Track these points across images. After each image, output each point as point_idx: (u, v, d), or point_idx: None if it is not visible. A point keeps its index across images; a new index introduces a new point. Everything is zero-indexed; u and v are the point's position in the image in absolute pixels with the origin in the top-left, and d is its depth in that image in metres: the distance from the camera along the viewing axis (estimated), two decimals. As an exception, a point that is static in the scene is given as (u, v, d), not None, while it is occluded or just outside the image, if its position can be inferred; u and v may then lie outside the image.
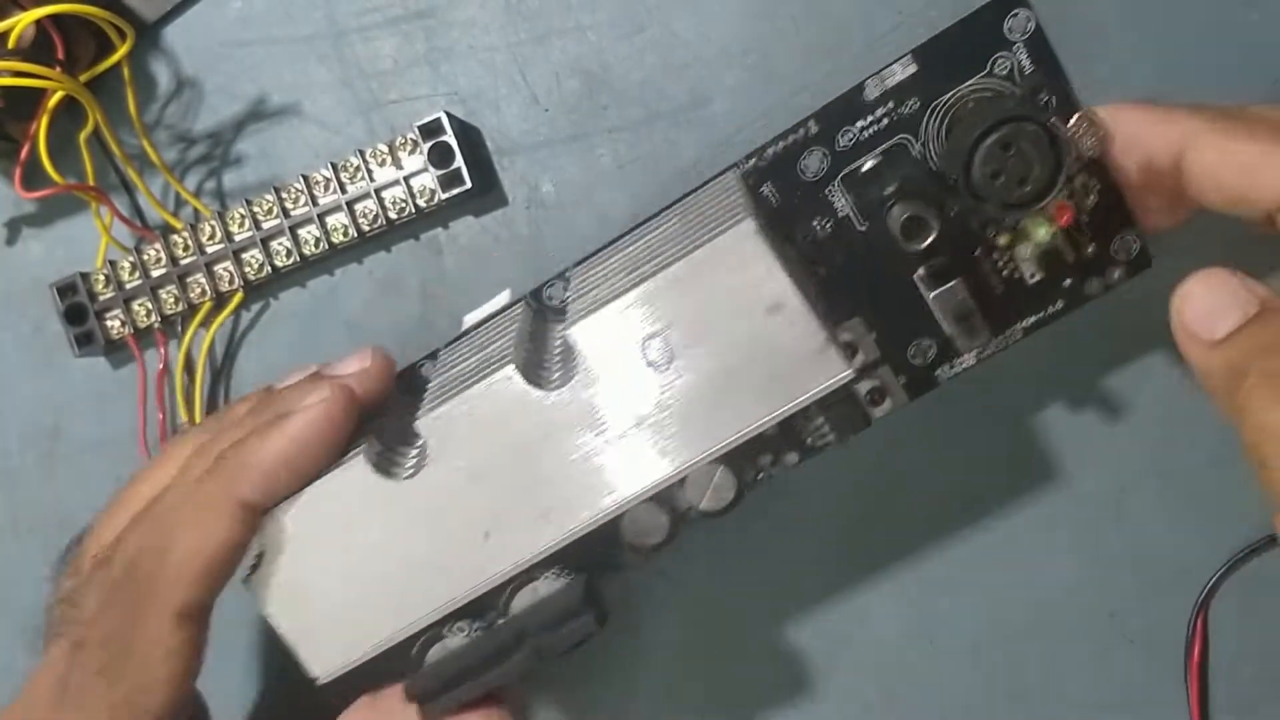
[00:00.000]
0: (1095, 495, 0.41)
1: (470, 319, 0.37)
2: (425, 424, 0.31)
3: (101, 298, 0.43)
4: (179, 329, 0.43)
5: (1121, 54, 0.39)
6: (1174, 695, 0.41)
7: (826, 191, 0.34)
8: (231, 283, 0.42)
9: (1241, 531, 0.40)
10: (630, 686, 0.43)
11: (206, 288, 0.42)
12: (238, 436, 0.32)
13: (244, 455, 0.31)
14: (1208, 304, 0.28)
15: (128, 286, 0.42)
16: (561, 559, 0.32)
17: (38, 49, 0.39)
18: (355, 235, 0.41)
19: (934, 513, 0.41)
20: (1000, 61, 0.33)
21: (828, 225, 0.34)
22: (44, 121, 0.39)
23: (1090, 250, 0.34)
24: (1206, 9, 0.39)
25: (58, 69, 0.38)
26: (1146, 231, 0.34)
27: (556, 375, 0.31)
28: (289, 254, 0.42)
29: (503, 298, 0.37)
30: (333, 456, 0.32)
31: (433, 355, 0.37)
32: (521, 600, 0.33)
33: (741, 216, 0.29)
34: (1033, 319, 0.35)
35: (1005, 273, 0.34)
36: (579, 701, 0.43)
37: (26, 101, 0.39)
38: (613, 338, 0.30)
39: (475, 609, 0.32)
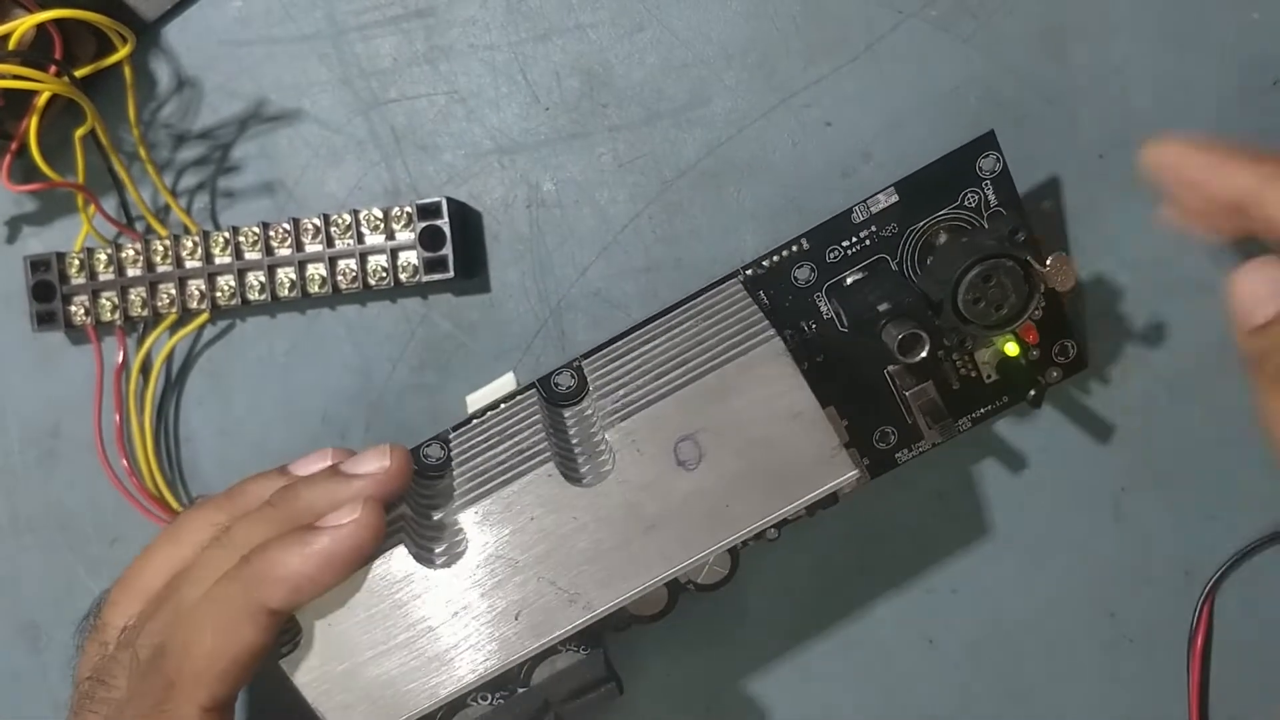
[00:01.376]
0: (1095, 495, 0.41)
1: (474, 400, 0.38)
2: (465, 516, 0.33)
3: (73, 281, 0.43)
4: (140, 330, 0.43)
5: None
6: (1174, 694, 0.41)
7: (814, 298, 0.38)
8: (201, 302, 0.42)
9: (1244, 530, 0.41)
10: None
11: (175, 300, 0.42)
12: (259, 531, 0.34)
13: (272, 565, 0.32)
14: (1252, 291, 0.30)
15: (100, 278, 0.42)
16: (579, 634, 0.34)
17: (37, 48, 0.39)
18: (331, 290, 0.41)
19: (933, 513, 0.42)
20: (969, 195, 0.38)
21: (813, 326, 0.39)
22: (34, 120, 0.39)
23: (1034, 354, 0.39)
24: (1208, 9, 0.39)
25: (54, 69, 0.39)
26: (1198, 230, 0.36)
27: (589, 471, 0.34)
28: (262, 289, 0.42)
29: (507, 380, 0.39)
30: (358, 570, 0.33)
31: (439, 438, 0.38)
32: (542, 672, 0.36)
33: (770, 335, 0.33)
34: (982, 411, 0.40)
35: (963, 372, 0.39)
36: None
37: (27, 101, 0.39)
38: (648, 438, 0.33)
39: (497, 681, 0.34)
